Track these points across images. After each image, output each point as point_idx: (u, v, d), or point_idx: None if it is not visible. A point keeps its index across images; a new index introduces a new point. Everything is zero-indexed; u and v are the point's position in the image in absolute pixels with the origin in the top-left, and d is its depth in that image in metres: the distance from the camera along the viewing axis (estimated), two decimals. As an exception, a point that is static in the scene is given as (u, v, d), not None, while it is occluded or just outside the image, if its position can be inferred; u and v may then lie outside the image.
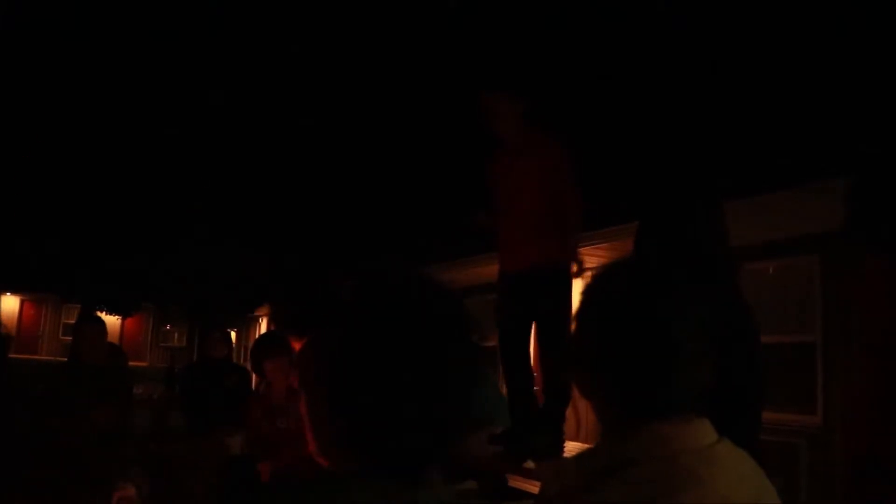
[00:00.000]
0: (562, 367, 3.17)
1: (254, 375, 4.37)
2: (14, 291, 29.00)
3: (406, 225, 15.18)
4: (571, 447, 3.56)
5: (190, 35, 16.43)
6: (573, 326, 1.05)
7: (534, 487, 2.96)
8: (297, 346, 2.56)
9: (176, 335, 29.78)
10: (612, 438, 0.99)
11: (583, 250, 5.28)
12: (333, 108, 16.85)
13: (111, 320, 24.82)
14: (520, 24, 13.22)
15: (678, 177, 2.14)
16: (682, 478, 0.88)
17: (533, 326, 3.42)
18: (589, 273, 2.23)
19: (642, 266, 1.09)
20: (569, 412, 3.46)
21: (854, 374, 1.34)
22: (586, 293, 1.06)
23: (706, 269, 1.81)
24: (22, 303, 29.83)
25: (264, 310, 17.36)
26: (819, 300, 5.60)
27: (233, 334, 11.89)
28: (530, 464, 3.17)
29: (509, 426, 3.46)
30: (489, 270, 4.86)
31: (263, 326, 17.91)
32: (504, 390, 3.63)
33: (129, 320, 27.98)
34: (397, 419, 0.83)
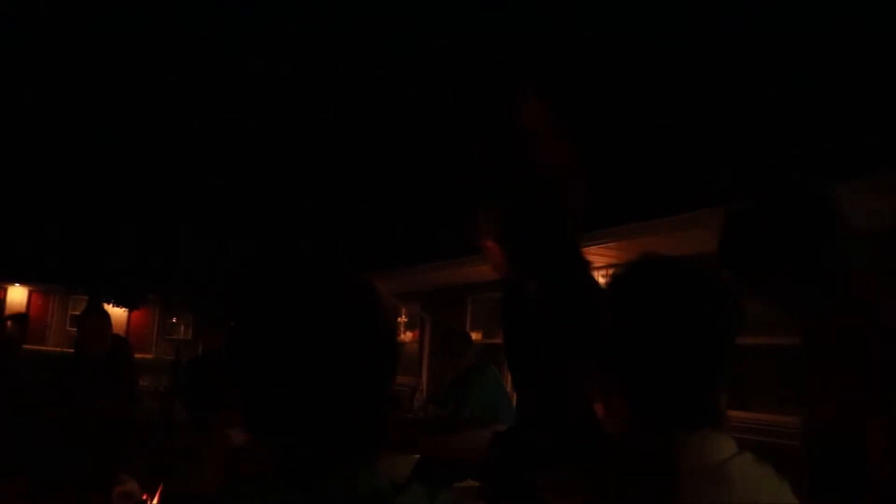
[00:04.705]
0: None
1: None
2: (22, 282, 29.19)
3: (411, 223, 15.17)
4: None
5: (191, 38, 16.50)
6: (604, 321, 0.97)
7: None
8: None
9: (182, 328, 29.88)
10: (622, 452, 0.93)
11: (590, 250, 5.24)
12: (344, 107, 16.86)
13: (118, 312, 24.91)
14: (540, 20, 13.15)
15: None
16: (683, 499, 0.84)
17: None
18: (597, 273, 2.20)
19: (689, 265, 0.98)
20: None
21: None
22: (628, 286, 0.98)
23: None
24: (30, 293, 29.99)
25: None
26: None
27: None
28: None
29: (511, 426, 3.43)
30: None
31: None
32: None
33: (135, 313, 28.05)
34: (284, 423, 0.79)
